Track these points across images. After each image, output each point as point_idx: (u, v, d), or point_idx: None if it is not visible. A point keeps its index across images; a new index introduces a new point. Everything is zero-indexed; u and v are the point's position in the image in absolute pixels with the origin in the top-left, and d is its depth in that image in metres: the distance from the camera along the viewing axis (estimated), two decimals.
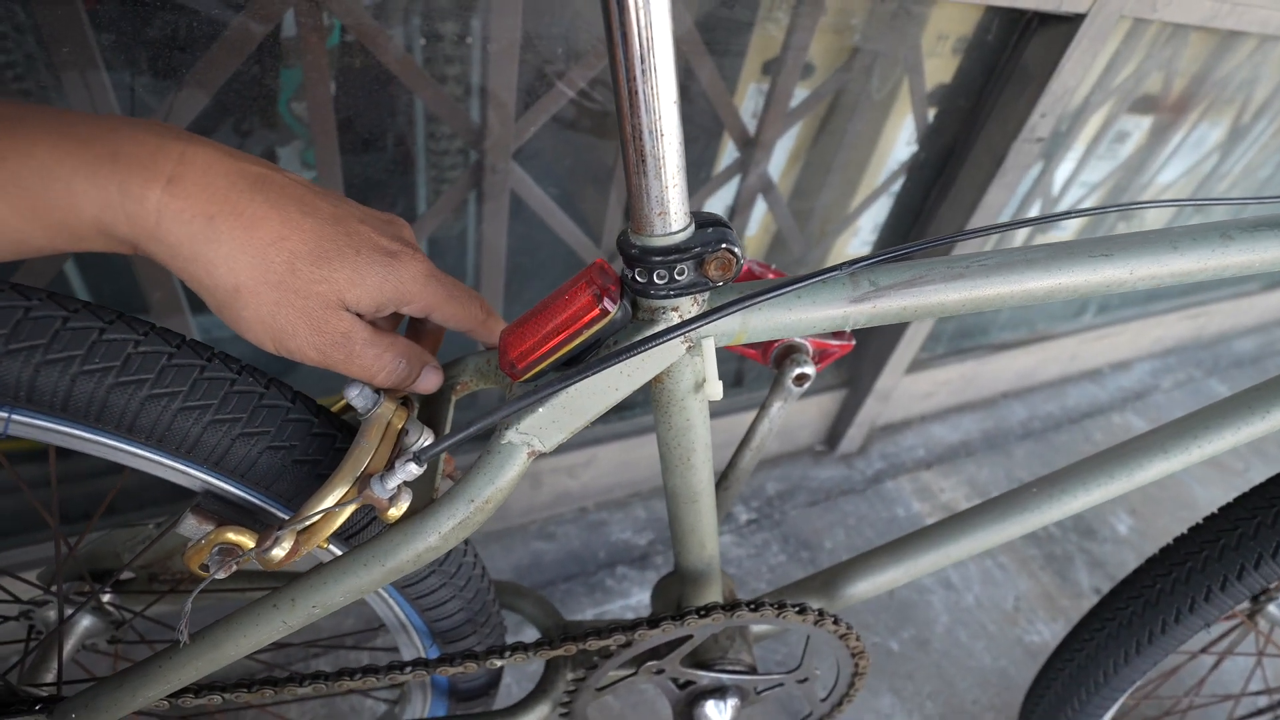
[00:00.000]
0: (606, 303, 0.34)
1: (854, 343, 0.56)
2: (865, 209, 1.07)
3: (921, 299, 0.37)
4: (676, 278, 0.34)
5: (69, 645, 0.50)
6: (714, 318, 0.34)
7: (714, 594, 0.51)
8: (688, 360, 0.38)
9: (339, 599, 0.36)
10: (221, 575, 0.36)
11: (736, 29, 0.86)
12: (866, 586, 0.54)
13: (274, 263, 0.29)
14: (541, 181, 0.84)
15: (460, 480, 0.35)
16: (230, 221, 0.28)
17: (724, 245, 0.33)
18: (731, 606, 0.46)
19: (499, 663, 0.45)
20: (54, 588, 0.50)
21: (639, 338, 0.34)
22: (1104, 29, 0.83)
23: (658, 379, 0.39)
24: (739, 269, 0.35)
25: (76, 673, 0.53)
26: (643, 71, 0.28)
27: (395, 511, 0.34)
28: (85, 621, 0.51)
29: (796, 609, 0.47)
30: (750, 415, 0.96)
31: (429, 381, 0.38)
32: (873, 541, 1.11)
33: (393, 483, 0.32)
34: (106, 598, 0.52)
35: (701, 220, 0.34)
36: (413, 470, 0.32)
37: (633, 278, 0.34)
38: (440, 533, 0.35)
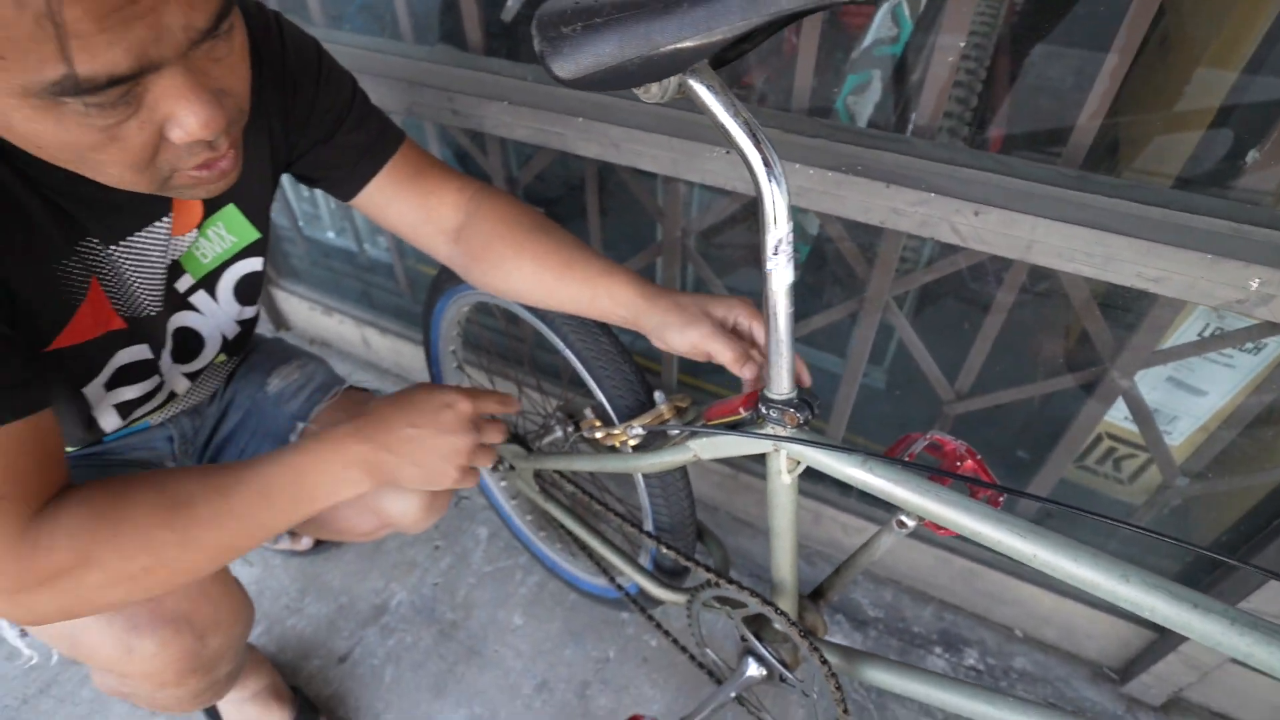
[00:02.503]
0: (743, 409, 0.71)
1: None
2: None
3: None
4: (770, 414, 0.68)
5: (546, 439, 1.12)
6: (782, 441, 0.68)
7: (785, 603, 0.82)
8: (776, 455, 0.72)
9: (609, 469, 0.85)
10: (586, 436, 0.88)
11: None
12: (882, 677, 0.77)
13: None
14: (919, 321, 1.12)
15: (660, 447, 0.79)
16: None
17: (791, 410, 0.66)
18: (763, 600, 0.78)
19: (664, 550, 0.88)
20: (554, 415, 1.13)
21: (740, 430, 0.71)
22: None
23: (767, 458, 0.73)
24: (802, 424, 0.67)
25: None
26: (771, 318, 0.63)
27: (630, 444, 0.79)
28: (558, 432, 1.12)
29: (804, 635, 0.76)
30: None
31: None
32: None
33: (631, 433, 0.78)
34: (569, 429, 1.12)
35: (801, 393, 0.68)
36: (638, 432, 0.77)
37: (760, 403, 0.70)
38: (643, 464, 0.79)
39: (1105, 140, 0.87)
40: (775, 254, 0.59)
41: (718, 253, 1.33)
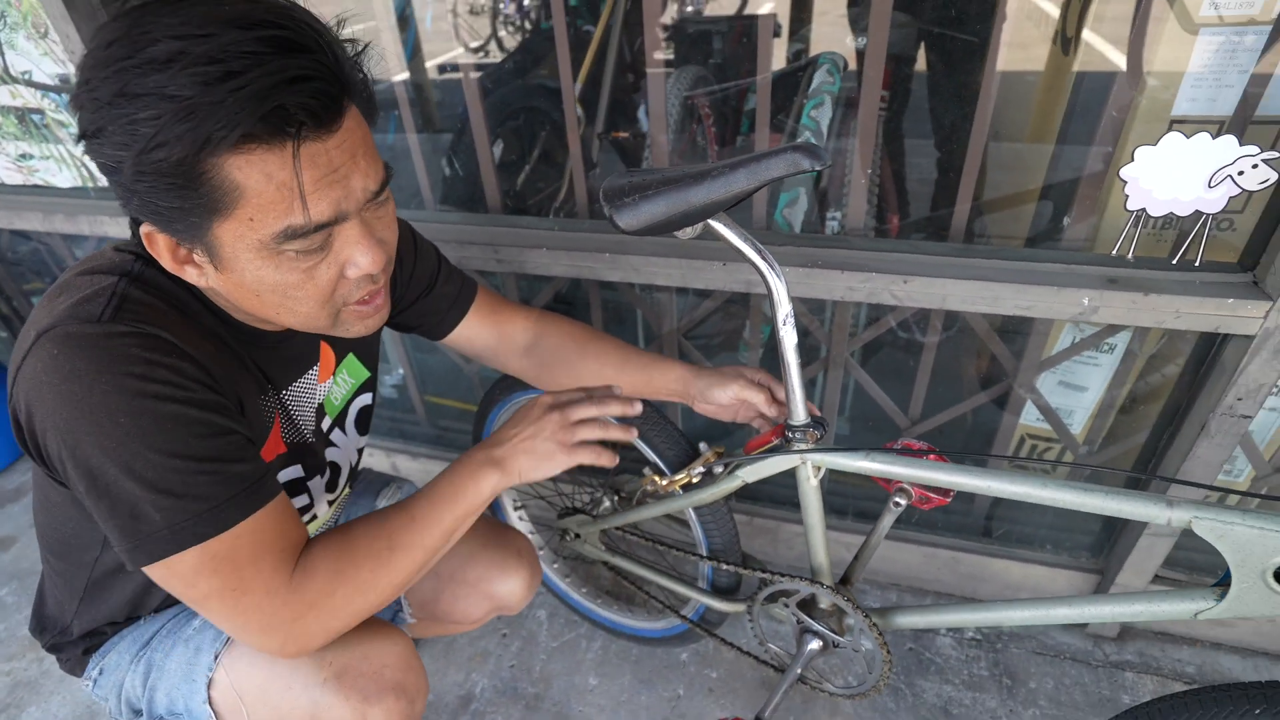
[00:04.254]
0: (775, 439, 1.00)
1: (948, 499, 1.04)
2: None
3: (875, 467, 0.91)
4: (792, 436, 0.97)
5: (600, 508, 1.35)
6: (807, 454, 0.96)
7: (828, 581, 1.07)
8: (804, 466, 0.99)
9: (672, 509, 1.10)
10: (649, 490, 1.14)
11: None
12: (911, 619, 1.02)
13: None
14: (869, 369, 1.45)
15: (711, 484, 1.05)
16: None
17: (811, 429, 0.95)
18: (810, 581, 1.03)
19: (723, 566, 1.12)
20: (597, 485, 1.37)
21: (775, 453, 0.98)
22: None
23: (797, 471, 1.01)
24: (819, 442, 0.95)
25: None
26: (786, 368, 0.93)
27: (694, 482, 1.05)
28: (606, 502, 1.36)
29: (849, 600, 1.01)
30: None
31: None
32: (1079, 704, 1.32)
33: (695, 474, 1.04)
34: (614, 498, 1.36)
35: (814, 418, 0.97)
36: (700, 472, 1.04)
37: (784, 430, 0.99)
38: (702, 497, 1.05)
39: (976, 217, 1.24)
40: (785, 324, 0.89)
41: (702, 342, 1.64)
